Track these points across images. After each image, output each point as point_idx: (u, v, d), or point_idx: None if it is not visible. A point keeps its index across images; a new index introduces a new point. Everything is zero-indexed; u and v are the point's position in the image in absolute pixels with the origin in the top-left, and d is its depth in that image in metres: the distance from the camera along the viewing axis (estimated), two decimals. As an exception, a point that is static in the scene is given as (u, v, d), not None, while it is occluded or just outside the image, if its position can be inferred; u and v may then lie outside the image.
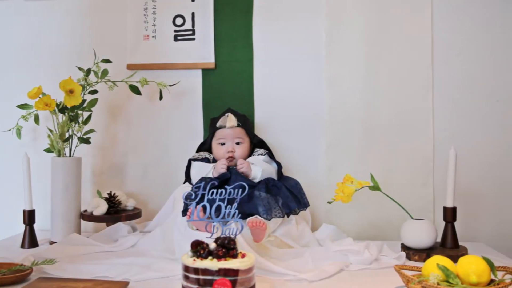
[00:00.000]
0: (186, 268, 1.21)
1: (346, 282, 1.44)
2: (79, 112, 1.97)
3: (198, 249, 1.23)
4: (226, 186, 1.41)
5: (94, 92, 2.01)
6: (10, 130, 1.98)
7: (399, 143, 2.03)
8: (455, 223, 1.78)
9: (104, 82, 2.01)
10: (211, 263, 1.19)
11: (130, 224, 1.98)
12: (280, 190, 1.77)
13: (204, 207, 1.35)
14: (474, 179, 2.01)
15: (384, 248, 1.71)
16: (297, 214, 1.79)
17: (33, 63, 2.21)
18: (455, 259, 1.38)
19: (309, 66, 2.09)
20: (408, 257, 1.69)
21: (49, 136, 1.95)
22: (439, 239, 1.79)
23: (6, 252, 1.75)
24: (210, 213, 1.35)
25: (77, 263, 1.60)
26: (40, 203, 2.03)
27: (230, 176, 1.79)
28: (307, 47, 2.09)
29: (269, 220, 1.66)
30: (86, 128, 2.01)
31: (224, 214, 1.36)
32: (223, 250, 1.22)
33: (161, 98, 2.05)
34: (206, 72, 2.15)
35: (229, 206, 1.36)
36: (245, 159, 1.91)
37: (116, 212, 2.00)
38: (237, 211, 1.36)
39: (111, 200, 2.01)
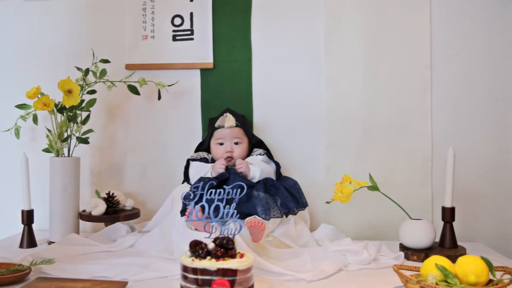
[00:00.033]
0: (185, 268, 1.21)
1: (345, 282, 1.44)
2: (78, 112, 1.97)
3: (197, 249, 1.23)
4: (224, 186, 1.41)
5: (93, 92, 2.01)
6: (9, 130, 1.98)
7: (397, 143, 2.03)
8: (454, 223, 1.78)
9: (103, 82, 2.01)
10: (209, 263, 1.19)
11: (129, 224, 1.98)
12: (279, 190, 1.77)
13: (202, 207, 1.35)
14: (472, 179, 2.01)
15: (383, 248, 1.71)
16: (295, 214, 1.79)
17: (31, 63, 2.21)
18: (453, 259, 1.38)
19: (308, 66, 2.09)
20: (407, 257, 1.69)
21: (47, 136, 1.95)
22: (437, 239, 1.79)
23: (5, 252, 1.75)
24: (208, 213, 1.35)
25: (76, 263, 1.60)
26: (38, 203, 2.03)
27: (229, 176, 1.79)
28: (306, 47, 2.09)
29: (268, 220, 1.66)
30: (85, 128, 2.00)
31: (223, 214, 1.36)
32: (222, 250, 1.22)
33: (159, 98, 2.05)
34: (204, 72, 2.15)
35: (227, 206, 1.36)
36: (243, 159, 1.91)
37: (114, 212, 2.00)
38: (235, 211, 1.35)
39: (110, 200, 2.01)
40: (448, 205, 1.78)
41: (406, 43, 2.03)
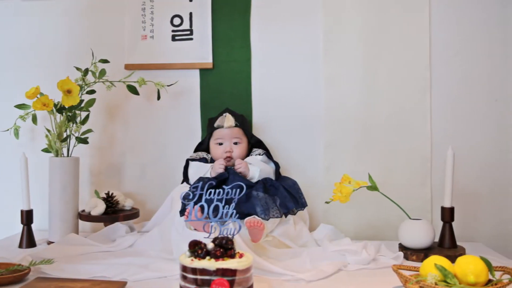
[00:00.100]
0: (184, 268, 1.21)
1: (344, 282, 1.44)
2: (77, 112, 1.97)
3: (196, 249, 1.23)
4: (224, 186, 1.41)
5: (92, 92, 2.01)
6: (8, 130, 1.98)
7: (397, 143, 2.03)
8: (453, 223, 1.78)
9: (102, 82, 2.01)
10: (209, 263, 1.19)
11: (128, 224, 1.98)
12: (278, 190, 1.77)
13: (202, 207, 1.35)
14: (472, 179, 2.02)
15: (382, 248, 1.71)
16: (295, 214, 1.79)
17: (31, 63, 2.21)
18: (453, 259, 1.38)
19: (307, 66, 2.09)
20: (406, 257, 1.69)
21: (47, 136, 1.95)
22: (437, 239, 1.79)
23: (4, 252, 1.75)
24: (208, 213, 1.35)
25: (75, 263, 1.60)
26: (38, 203, 2.03)
27: (228, 176, 1.79)
28: (305, 47, 2.09)
29: (267, 220, 1.66)
30: (84, 128, 2.00)
31: (222, 214, 1.36)
32: (221, 250, 1.22)
33: (159, 98, 2.05)
34: (204, 72, 2.15)
35: (227, 206, 1.36)
36: (243, 159, 1.91)
37: (114, 212, 2.00)
38: (235, 211, 1.35)
39: (109, 200, 2.01)
40: (447, 205, 1.78)
41: (405, 43, 2.03)
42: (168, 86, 2.05)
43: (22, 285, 1.38)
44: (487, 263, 1.27)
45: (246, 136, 1.97)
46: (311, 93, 2.09)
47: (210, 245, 1.23)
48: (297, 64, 2.10)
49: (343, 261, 1.59)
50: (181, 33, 2.14)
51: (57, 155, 1.94)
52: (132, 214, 2.02)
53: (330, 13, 2.06)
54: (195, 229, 1.61)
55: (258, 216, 1.65)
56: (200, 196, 1.39)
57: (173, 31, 2.14)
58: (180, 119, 2.16)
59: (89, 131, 2.01)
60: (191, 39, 2.14)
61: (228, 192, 1.39)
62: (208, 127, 2.00)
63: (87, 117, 2.01)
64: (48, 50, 2.21)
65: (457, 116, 2.03)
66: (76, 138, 1.99)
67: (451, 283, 1.24)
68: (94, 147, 2.17)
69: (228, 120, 1.93)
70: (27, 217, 1.89)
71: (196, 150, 2.02)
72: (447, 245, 1.76)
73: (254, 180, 1.82)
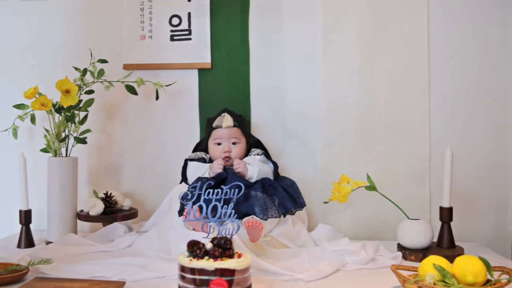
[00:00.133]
0: (183, 268, 1.21)
1: (343, 282, 1.44)
2: (76, 112, 1.96)
3: (195, 249, 1.23)
4: (222, 186, 1.41)
5: (91, 92, 2.01)
6: (7, 130, 1.97)
7: (395, 143, 2.03)
8: (452, 223, 1.78)
9: (101, 82, 2.01)
10: (207, 263, 1.19)
11: (127, 224, 1.98)
12: (277, 190, 1.77)
13: (200, 207, 1.35)
14: (470, 179, 2.02)
15: (381, 248, 1.71)
16: (293, 214, 1.79)
17: (29, 63, 2.21)
18: (451, 259, 1.38)
19: (306, 66, 2.09)
20: (405, 257, 1.69)
21: (45, 136, 1.95)
22: (435, 239, 1.79)
23: (2, 252, 1.74)
24: (206, 213, 1.35)
25: (74, 263, 1.59)
26: (36, 203, 2.03)
27: (227, 176, 1.79)
28: (304, 47, 2.09)
29: (266, 220, 1.66)
30: (83, 128, 2.00)
31: (221, 214, 1.35)
32: (220, 250, 1.22)
33: (157, 98, 2.05)
34: (202, 72, 2.14)
35: (225, 206, 1.36)
36: (241, 159, 1.91)
37: (112, 212, 2.00)
38: (233, 211, 1.35)
39: (108, 200, 2.00)
40: (446, 205, 1.78)
41: (404, 43, 2.03)
42: (166, 86, 2.05)
43: (21, 285, 1.37)
44: (486, 263, 1.27)
45: (244, 136, 1.97)
46: (309, 93, 2.09)
47: (209, 245, 1.23)
48: (295, 64, 2.10)
49: (341, 261, 1.59)
50: (180, 33, 2.14)
51: (55, 155, 1.94)
52: (131, 214, 2.02)
53: (329, 14, 2.06)
54: (193, 229, 1.61)
55: (257, 216, 1.65)
56: (199, 196, 1.39)
57: (171, 31, 2.14)
58: (179, 119, 2.16)
59: (87, 131, 2.01)
60: (190, 39, 2.14)
61: (226, 192, 1.39)
62: (207, 127, 2.00)
63: (85, 117, 2.01)
64: (47, 50, 2.20)
65: (456, 116, 2.03)
66: (75, 138, 1.99)
67: (449, 283, 1.24)
68: (92, 147, 2.17)
69: (226, 120, 1.93)
70: (25, 217, 1.89)
71: (194, 150, 2.02)
72: (446, 245, 1.76)
73: (253, 180, 1.82)
